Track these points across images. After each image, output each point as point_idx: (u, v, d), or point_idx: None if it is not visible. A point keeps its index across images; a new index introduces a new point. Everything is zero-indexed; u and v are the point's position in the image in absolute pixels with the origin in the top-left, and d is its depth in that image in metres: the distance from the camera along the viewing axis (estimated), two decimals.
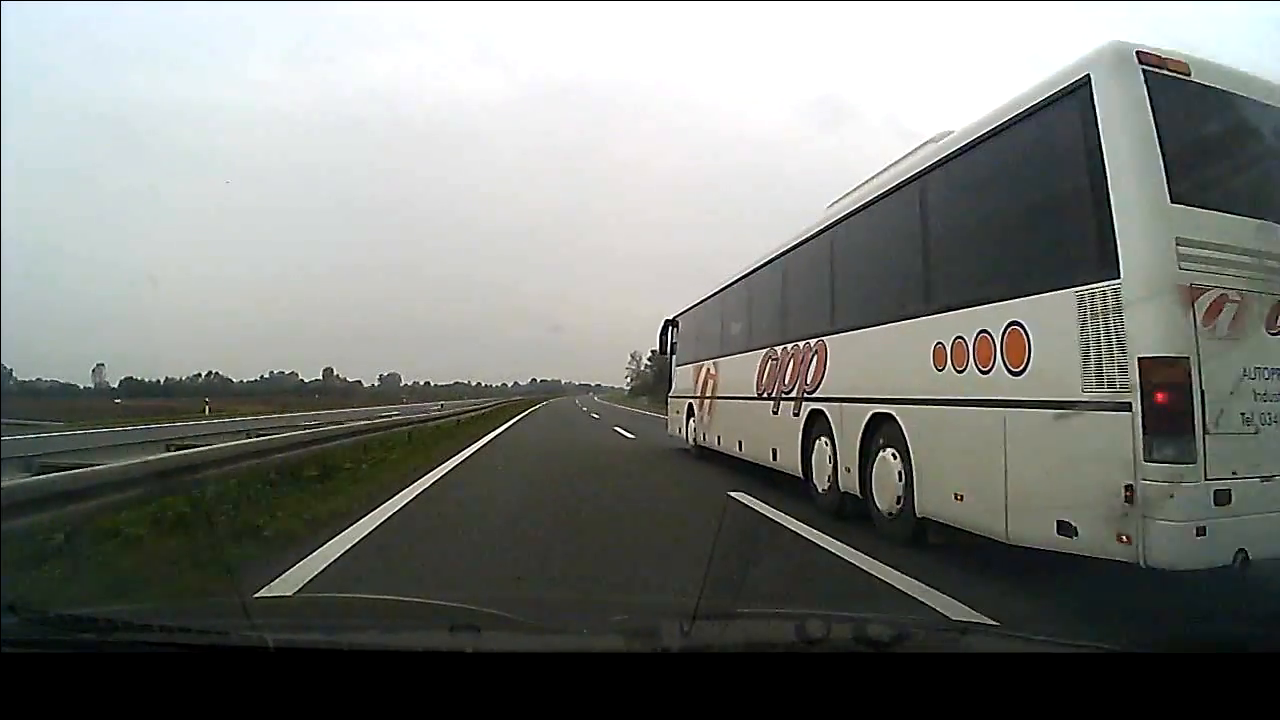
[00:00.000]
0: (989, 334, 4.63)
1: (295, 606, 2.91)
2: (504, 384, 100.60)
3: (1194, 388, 3.52)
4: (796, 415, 7.86)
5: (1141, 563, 3.43)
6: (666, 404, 16.43)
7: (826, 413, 7.12)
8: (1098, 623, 3.52)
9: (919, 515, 5.32)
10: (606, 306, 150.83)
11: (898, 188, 6.01)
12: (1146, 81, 3.81)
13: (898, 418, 5.64)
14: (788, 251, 8.61)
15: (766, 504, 7.37)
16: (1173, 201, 3.67)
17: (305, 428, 11.33)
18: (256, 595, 3.82)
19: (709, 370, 12.17)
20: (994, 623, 3.35)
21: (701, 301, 12.96)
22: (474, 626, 1.76)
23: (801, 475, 7.73)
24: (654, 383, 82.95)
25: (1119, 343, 3.70)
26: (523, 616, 2.17)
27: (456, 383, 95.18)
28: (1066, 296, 4.00)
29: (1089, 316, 3.86)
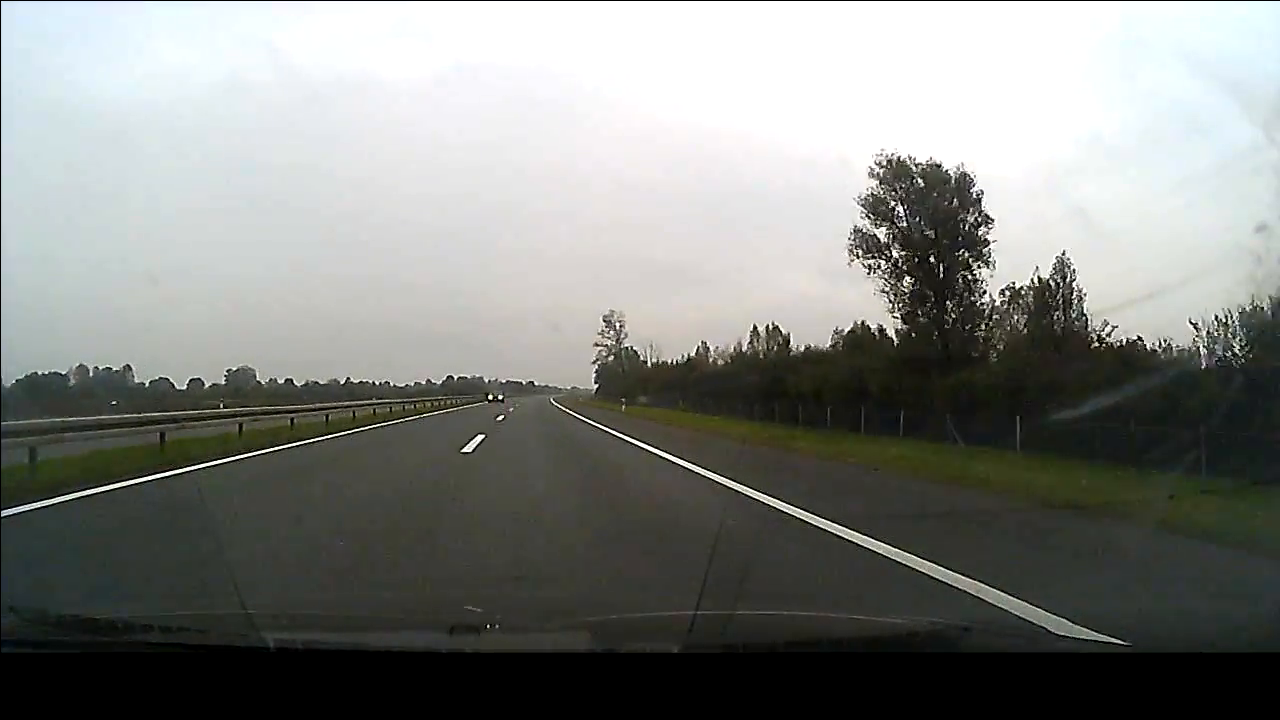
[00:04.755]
0: None
1: (295, 608, 2.91)
2: (417, 382, 79.43)
3: None
4: None
5: None
6: None
7: None
8: (1098, 623, 3.52)
9: None
10: (539, 305, 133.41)
11: None
12: None
13: None
14: None
15: None
16: None
17: None
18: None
19: None
20: (995, 623, 3.35)
21: None
22: (474, 628, 1.77)
23: None
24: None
25: None
26: (523, 617, 2.17)
27: (333, 380, 71.34)
28: None
29: None
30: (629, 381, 61.38)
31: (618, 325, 66.48)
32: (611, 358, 68.48)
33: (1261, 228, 17.94)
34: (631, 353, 66.81)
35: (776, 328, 43.68)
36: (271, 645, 1.40)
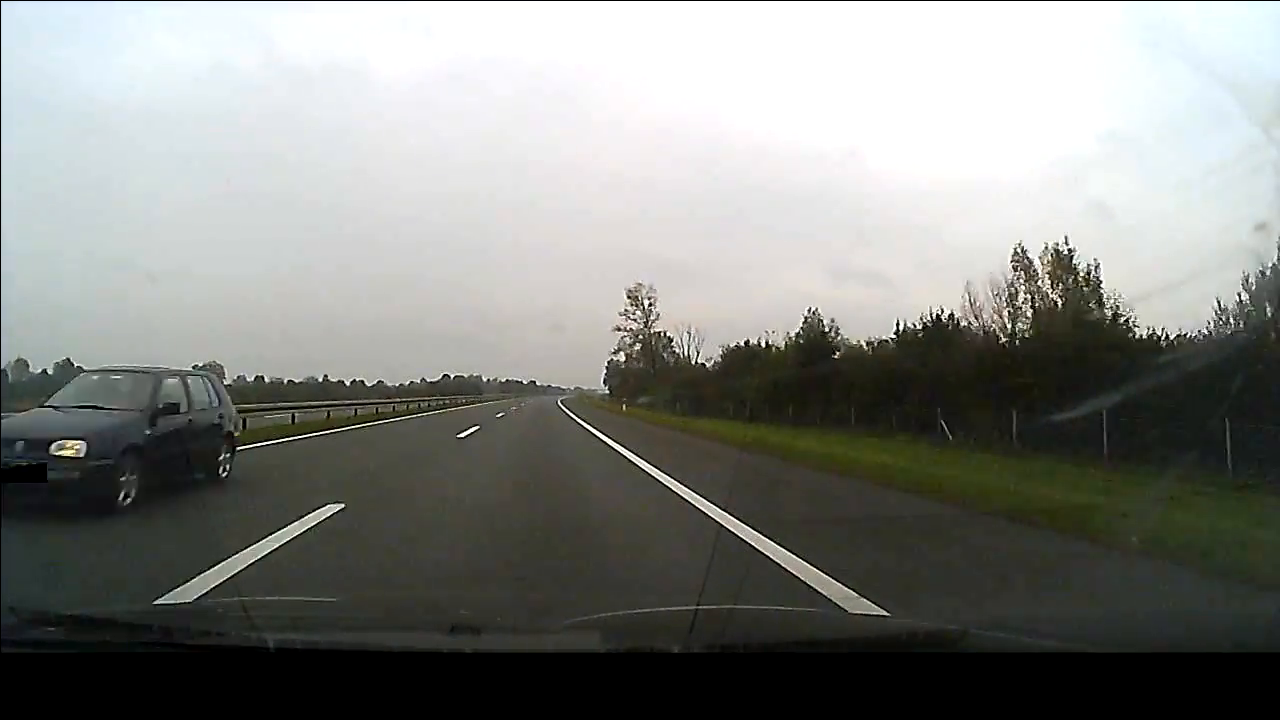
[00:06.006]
0: None
1: (295, 607, 2.91)
2: (411, 381, 66.75)
3: None
4: None
5: None
6: None
7: None
8: (1094, 623, 3.52)
9: None
10: (542, 303, 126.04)
11: None
12: None
13: None
14: None
15: None
16: None
17: None
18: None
19: None
20: (991, 623, 3.35)
21: None
22: (474, 628, 1.77)
23: None
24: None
25: None
26: (522, 617, 2.17)
27: (309, 378, 58.57)
28: None
29: None
30: (681, 379, 42.46)
31: (646, 304, 49.29)
32: (638, 345, 50.25)
33: (1260, 226, 17.90)
34: (665, 339, 48.93)
35: (1069, 250, 23.48)
36: (271, 645, 1.40)
